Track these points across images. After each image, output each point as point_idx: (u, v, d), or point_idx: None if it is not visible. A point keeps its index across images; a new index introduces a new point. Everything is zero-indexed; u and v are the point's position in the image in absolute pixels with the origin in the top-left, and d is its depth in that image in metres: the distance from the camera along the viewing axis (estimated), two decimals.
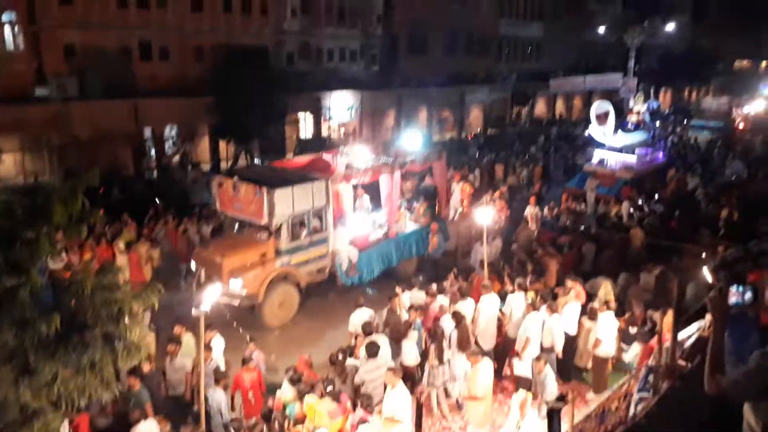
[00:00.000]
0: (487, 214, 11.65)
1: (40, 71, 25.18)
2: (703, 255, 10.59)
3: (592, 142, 21.86)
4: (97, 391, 5.65)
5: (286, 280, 12.22)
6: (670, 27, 58.94)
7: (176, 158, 27.06)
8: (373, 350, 8.28)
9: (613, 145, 20.07)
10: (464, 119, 40.68)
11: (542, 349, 9.16)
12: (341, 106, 33.21)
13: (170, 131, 28.40)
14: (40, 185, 6.12)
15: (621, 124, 20.49)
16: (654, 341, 8.66)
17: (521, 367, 8.97)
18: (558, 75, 42.14)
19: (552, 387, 8.13)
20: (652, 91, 54.40)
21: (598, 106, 20.83)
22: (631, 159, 19.89)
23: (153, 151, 27.01)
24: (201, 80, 28.52)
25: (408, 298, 10.60)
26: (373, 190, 14.18)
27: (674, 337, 7.47)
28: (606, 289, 10.62)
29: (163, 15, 28.52)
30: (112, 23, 26.89)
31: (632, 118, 21.45)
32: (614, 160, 20.15)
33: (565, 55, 52.04)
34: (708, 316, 9.13)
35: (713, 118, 35.95)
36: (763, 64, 71.84)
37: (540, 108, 48.45)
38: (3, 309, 5.08)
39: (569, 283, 10.43)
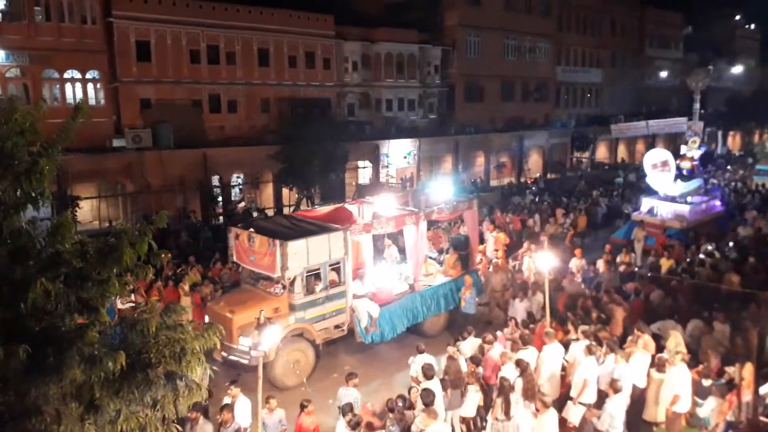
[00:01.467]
0: (549, 260, 11.33)
1: (118, 123, 26.88)
2: None
3: (647, 190, 21.02)
4: (158, 429, 5.74)
5: (301, 337, 11.46)
6: (737, 69, 57.32)
7: (242, 204, 27.96)
8: (428, 398, 8.08)
9: (672, 194, 19.20)
10: (523, 164, 40.40)
11: (600, 397, 8.74)
12: (399, 153, 33.73)
13: (237, 179, 29.49)
14: (112, 229, 6.41)
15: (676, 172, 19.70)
16: (732, 395, 8.10)
17: (574, 412, 8.57)
18: (619, 119, 41.42)
19: (616, 424, 7.80)
20: (720, 135, 52.75)
21: (656, 154, 20.22)
22: (683, 208, 18.85)
23: (220, 198, 28.02)
24: (266, 130, 29.82)
25: (468, 346, 10.34)
26: (402, 240, 13.48)
27: (755, 391, 6.99)
28: (676, 339, 10.04)
29: (232, 70, 30.11)
30: (184, 79, 28.60)
31: (685, 165, 20.28)
32: (665, 210, 19.14)
33: (626, 100, 51.37)
34: None
35: None
36: None
37: (602, 152, 47.63)
38: (73, 345, 5.27)
39: (637, 332, 9.95)
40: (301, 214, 13.77)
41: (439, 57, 38.29)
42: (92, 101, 26.36)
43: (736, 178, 31.40)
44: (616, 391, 8.15)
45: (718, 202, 21.04)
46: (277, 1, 31.66)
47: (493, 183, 37.86)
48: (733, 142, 56.47)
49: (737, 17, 65.50)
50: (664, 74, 52.68)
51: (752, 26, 67.91)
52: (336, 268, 11.77)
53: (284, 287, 11.25)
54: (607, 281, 13.84)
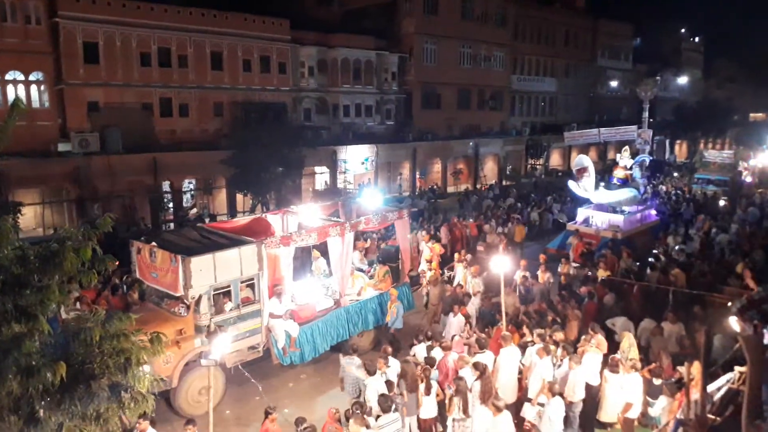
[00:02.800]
0: (504, 264, 11.40)
1: (64, 127, 25.93)
2: (729, 304, 10.27)
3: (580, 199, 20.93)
4: None
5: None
6: (683, 80, 59.63)
7: (194, 210, 27.34)
8: (386, 404, 8.00)
9: (597, 201, 19.38)
10: (479, 171, 40.94)
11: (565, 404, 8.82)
12: (357, 158, 33.67)
13: (188, 184, 28.84)
14: (55, 234, 6.12)
15: (607, 180, 19.82)
16: (681, 394, 8.29)
17: (531, 412, 8.67)
18: (572, 127, 42.46)
19: (555, 427, 8.02)
20: (668, 143, 54.67)
21: (578, 161, 20.22)
22: (618, 218, 18.85)
23: (171, 204, 27.34)
24: (219, 135, 29.27)
25: (421, 350, 10.30)
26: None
27: (703, 389, 7.15)
28: (630, 340, 10.25)
29: (184, 73, 29.48)
30: (134, 82, 27.84)
31: (618, 174, 20.31)
32: (600, 220, 19.10)
33: (579, 108, 52.73)
34: (737, 369, 8.77)
35: (718, 171, 34.57)
36: None
37: (555, 159, 48.71)
38: (10, 356, 4.98)
39: (590, 332, 10.13)
40: (214, 226, 12.80)
41: (396, 64, 38.48)
42: (36, 104, 25.36)
43: (677, 186, 32.11)
44: (554, 394, 8.26)
45: (653, 212, 21.13)
46: (232, 4, 31.29)
47: (450, 189, 38.22)
48: (680, 150, 58.67)
49: (683, 30, 68.20)
50: (615, 84, 54.39)
51: (696, 39, 70.79)
52: (250, 284, 10.83)
53: (188, 307, 10.15)
54: (538, 293, 13.52)
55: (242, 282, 10.68)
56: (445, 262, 17.07)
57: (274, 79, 32.84)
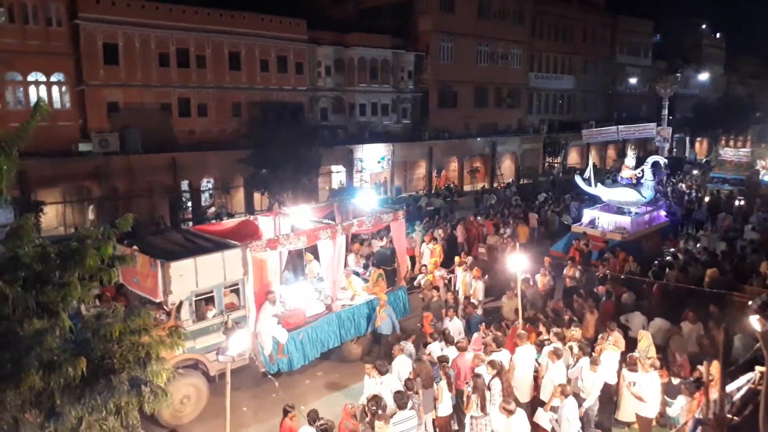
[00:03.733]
0: (521, 262, 11.36)
1: (85, 128, 26.32)
2: (750, 303, 10.12)
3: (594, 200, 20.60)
4: None
5: (193, 369, 10.07)
6: (704, 77, 58.77)
7: (212, 209, 27.60)
8: (402, 401, 8.02)
9: (596, 195, 19.19)
10: (496, 169, 40.75)
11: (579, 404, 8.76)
12: (373, 157, 33.71)
13: (207, 183, 29.12)
14: (76, 232, 6.23)
15: (616, 180, 19.18)
16: (700, 394, 8.20)
17: (543, 417, 8.62)
18: (590, 125, 42.09)
19: (573, 426, 7.95)
20: (687, 140, 53.95)
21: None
22: (625, 220, 18.29)
23: (189, 203, 27.62)
24: (237, 134, 29.51)
25: (436, 348, 10.30)
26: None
27: (722, 388, 7.07)
28: (648, 340, 10.16)
29: (203, 74, 29.74)
30: (153, 82, 28.15)
31: (624, 173, 19.70)
32: (606, 221, 18.54)
33: (597, 106, 52.23)
34: (758, 368, 8.64)
35: (734, 170, 33.48)
36: None
37: (573, 158, 48.30)
38: (32, 351, 5.09)
39: (608, 330, 10.07)
40: (200, 229, 12.30)
41: (413, 62, 38.43)
42: (57, 105, 25.74)
43: (691, 186, 31.27)
44: (566, 395, 8.20)
45: (663, 213, 20.49)
46: (249, 4, 31.50)
47: (467, 188, 38.10)
48: (700, 148, 57.87)
49: (704, 26, 67.18)
50: (634, 81, 53.79)
51: (718, 35, 69.71)
52: (235, 289, 10.47)
53: (168, 314, 9.80)
54: (530, 299, 13.05)
55: (226, 287, 10.33)
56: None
57: (291, 79, 33.00)
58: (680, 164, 41.41)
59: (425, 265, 15.77)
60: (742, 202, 24.00)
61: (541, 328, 10.88)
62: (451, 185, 37.35)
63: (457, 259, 15.42)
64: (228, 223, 13.13)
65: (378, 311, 11.99)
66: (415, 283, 15.66)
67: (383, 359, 9.53)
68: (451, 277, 14.97)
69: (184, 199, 27.26)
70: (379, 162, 34.18)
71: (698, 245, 17.20)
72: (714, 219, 22.06)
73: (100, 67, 26.53)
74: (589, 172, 19.56)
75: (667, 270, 14.33)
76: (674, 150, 49.65)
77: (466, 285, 13.89)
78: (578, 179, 20.18)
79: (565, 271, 14.69)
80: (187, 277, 9.71)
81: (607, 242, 17.12)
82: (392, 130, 37.24)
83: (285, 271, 13.27)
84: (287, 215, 13.61)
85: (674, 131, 39.99)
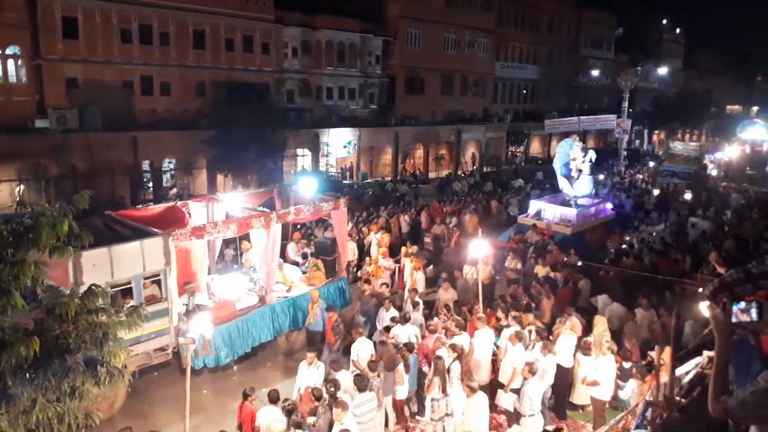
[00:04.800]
0: (482, 247, 11.52)
1: (42, 104, 25.43)
2: (701, 290, 10.46)
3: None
4: (77, 419, 5.47)
5: (109, 365, 9.68)
6: (663, 71, 60.17)
7: (174, 190, 27.09)
8: (362, 384, 8.09)
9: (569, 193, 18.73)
10: (460, 157, 41.08)
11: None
12: (339, 142, 33.55)
13: (169, 164, 28.54)
14: (30, 210, 6.05)
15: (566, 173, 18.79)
16: (651, 377, 8.50)
17: (505, 399, 8.82)
18: (553, 115, 42.77)
19: (535, 406, 8.14)
20: (646, 133, 55.30)
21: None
22: (571, 212, 17.97)
23: (150, 183, 27.06)
24: (201, 114, 28.94)
25: (401, 332, 10.40)
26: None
27: (672, 372, 7.35)
28: (603, 325, 10.45)
29: (166, 51, 29.03)
30: (114, 58, 27.34)
31: (573, 166, 19.16)
32: (552, 213, 18.16)
33: (561, 97, 53.00)
34: (706, 353, 9.01)
35: (683, 163, 33.98)
36: (754, 109, 73.09)
37: (536, 147, 49.01)
38: None
39: (565, 315, 10.31)
40: (123, 215, 11.40)
41: (381, 47, 38.28)
42: (13, 79, 24.85)
43: (643, 179, 31.66)
44: (533, 373, 8.42)
45: (609, 205, 20.12)
46: None
47: (432, 175, 38.32)
48: (658, 140, 59.40)
49: (664, 21, 68.70)
50: (596, 73, 54.77)
51: (678, 30, 71.39)
52: (156, 281, 9.80)
53: None
54: (460, 287, 12.75)
55: (146, 278, 9.65)
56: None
57: (257, 60, 32.49)
58: (639, 156, 42.43)
59: (368, 257, 15.06)
60: (690, 196, 24.10)
61: (500, 313, 11.09)
62: (417, 172, 37.50)
63: (403, 249, 14.80)
64: (155, 208, 12.16)
65: (310, 308, 11.29)
66: (359, 273, 14.88)
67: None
68: (398, 267, 14.36)
69: (145, 179, 26.68)
70: (345, 147, 34.05)
71: (653, 234, 17.69)
72: (663, 211, 22.24)
73: (59, 41, 25.66)
74: (586, 160, 18.67)
75: (624, 258, 14.74)
76: (634, 142, 50.87)
77: (412, 276, 13.36)
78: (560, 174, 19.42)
79: (507, 263, 14.42)
80: (101, 267, 8.96)
81: (553, 235, 16.89)
82: (359, 115, 37.13)
83: (220, 261, 12.76)
84: (221, 201, 12.79)
85: (634, 123, 40.91)
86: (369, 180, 34.32)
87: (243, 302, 11.22)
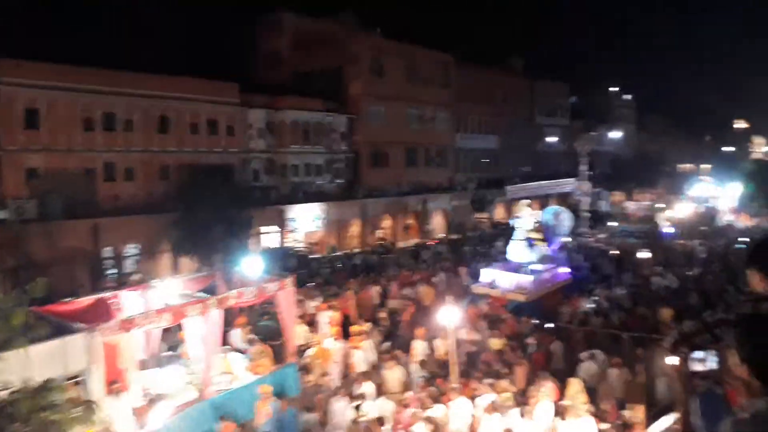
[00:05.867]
0: (454, 314, 11.45)
1: (1, 194, 25.07)
2: (664, 342, 10.57)
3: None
4: None
5: None
6: (617, 135, 62.93)
7: (136, 276, 26.51)
8: None
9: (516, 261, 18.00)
10: (427, 225, 41.55)
11: None
12: (307, 217, 33.68)
13: (132, 249, 28.07)
14: None
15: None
16: None
17: None
18: (515, 182, 43.98)
19: None
20: (605, 194, 57.04)
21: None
22: (526, 279, 17.04)
23: (112, 270, 26.49)
24: (166, 198, 28.84)
25: (375, 407, 10.14)
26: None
27: (646, 429, 7.31)
28: (576, 387, 10.38)
29: (130, 137, 29.20)
30: (77, 146, 27.37)
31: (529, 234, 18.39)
32: (506, 281, 17.19)
33: (521, 163, 54.69)
34: (677, 410, 8.99)
35: (638, 222, 34.17)
36: (704, 167, 76.55)
37: (500, 213, 49.90)
38: None
39: (540, 381, 10.22)
40: (48, 310, 10.17)
41: (345, 124, 39.29)
42: None
43: (600, 240, 31.45)
44: None
45: (565, 269, 19.16)
46: (181, 67, 31.49)
47: (401, 244, 38.48)
48: (617, 201, 61.23)
49: (615, 89, 72.64)
50: (553, 140, 56.85)
51: (629, 97, 75.40)
52: (79, 381, 8.90)
53: None
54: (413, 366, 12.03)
55: (68, 379, 8.62)
56: None
57: (222, 141, 32.91)
58: (600, 217, 43.52)
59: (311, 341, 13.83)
60: (647, 255, 23.56)
61: (474, 382, 10.94)
62: (385, 242, 37.68)
63: (354, 327, 13.86)
64: (81, 301, 11.09)
65: (259, 406, 10.21)
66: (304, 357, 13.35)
67: None
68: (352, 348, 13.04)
69: (106, 266, 26.13)
70: (313, 221, 34.17)
71: (619, 291, 17.88)
72: (621, 272, 21.67)
73: (20, 133, 25.63)
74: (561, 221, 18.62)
75: (592, 317, 14.83)
76: (595, 203, 52.30)
77: (363, 358, 12.56)
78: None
79: (464, 335, 13.11)
80: (14, 369, 7.93)
81: (507, 304, 16.26)
82: (326, 190, 37.54)
83: (157, 354, 11.78)
84: (157, 289, 11.82)
85: (593, 186, 42.23)
86: (338, 253, 34.28)
87: (180, 398, 10.29)
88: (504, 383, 10.45)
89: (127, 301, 11.30)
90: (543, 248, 18.55)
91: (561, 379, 11.12)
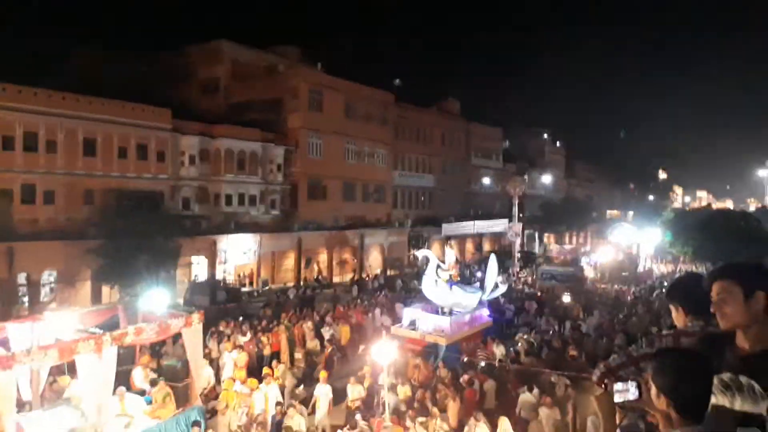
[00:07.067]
0: (389, 352, 11.19)
1: None
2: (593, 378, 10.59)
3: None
4: None
5: None
6: (548, 179, 65.33)
7: (53, 305, 24.80)
8: None
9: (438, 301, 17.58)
10: (364, 260, 41.29)
11: None
12: (239, 248, 32.74)
13: (49, 276, 26.33)
14: None
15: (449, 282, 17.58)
16: None
17: None
18: (450, 220, 44.57)
19: None
20: (537, 236, 58.80)
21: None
22: (444, 321, 16.80)
23: (26, 298, 24.70)
24: (88, 223, 27.37)
25: None
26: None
27: None
28: (504, 425, 10.25)
29: (52, 159, 27.71)
30: None
31: (444, 275, 17.86)
32: (426, 323, 16.94)
33: (456, 203, 55.70)
34: None
35: (561, 264, 34.13)
36: (630, 213, 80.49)
37: (436, 250, 50.32)
38: None
39: (473, 420, 10.03)
40: None
41: (282, 156, 38.82)
42: None
43: (525, 282, 32.25)
44: None
45: (485, 312, 18.72)
46: (114, 91, 30.29)
47: (336, 279, 38.00)
48: (549, 242, 63.15)
49: (545, 135, 75.68)
50: (487, 181, 58.31)
51: (558, 143, 78.67)
52: None
53: None
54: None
55: None
56: None
57: (151, 167, 31.75)
58: (531, 258, 44.62)
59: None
60: (568, 299, 23.83)
61: (408, 421, 10.62)
62: (320, 276, 37.07)
63: (265, 370, 13.49)
64: None
65: None
66: (209, 405, 12.64)
67: None
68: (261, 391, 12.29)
69: (20, 294, 24.34)
70: (245, 253, 33.23)
71: (551, 331, 18.11)
72: (540, 316, 21.97)
73: None
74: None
75: (523, 356, 14.88)
76: (527, 245, 53.68)
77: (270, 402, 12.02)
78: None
79: (380, 380, 12.25)
80: None
81: (426, 346, 16.01)
82: (260, 221, 36.72)
83: (43, 394, 10.63)
84: (49, 322, 10.59)
85: (525, 227, 43.35)
86: (270, 286, 33.40)
87: None
88: (435, 421, 10.18)
89: (14, 334, 10.17)
90: (464, 290, 17.87)
91: (492, 418, 11.00)
